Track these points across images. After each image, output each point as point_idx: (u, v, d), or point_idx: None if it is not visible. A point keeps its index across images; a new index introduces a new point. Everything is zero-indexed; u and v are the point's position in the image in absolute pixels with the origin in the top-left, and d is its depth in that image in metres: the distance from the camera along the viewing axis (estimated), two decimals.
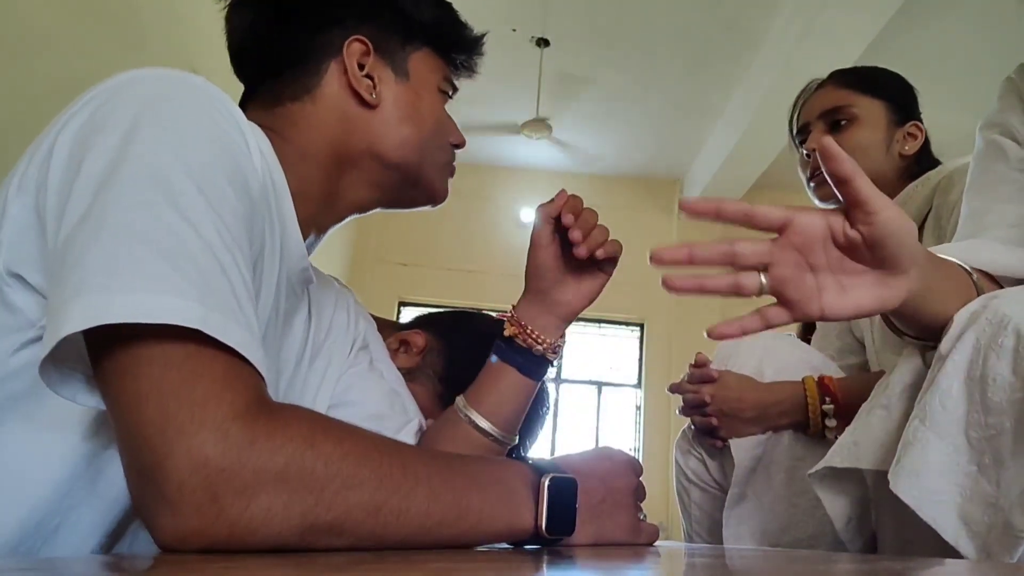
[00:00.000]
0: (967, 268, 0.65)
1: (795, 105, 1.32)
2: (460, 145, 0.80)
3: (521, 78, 4.40)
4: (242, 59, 0.74)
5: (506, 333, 0.84)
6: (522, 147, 5.33)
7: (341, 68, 0.70)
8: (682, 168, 5.57)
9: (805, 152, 1.24)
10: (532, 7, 3.89)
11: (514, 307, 0.85)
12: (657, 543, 0.64)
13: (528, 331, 0.83)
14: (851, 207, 0.55)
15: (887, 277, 0.56)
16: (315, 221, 0.71)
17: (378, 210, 0.79)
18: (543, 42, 4.17)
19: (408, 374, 0.98)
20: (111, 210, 0.43)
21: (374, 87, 0.71)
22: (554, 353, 0.84)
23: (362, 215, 0.77)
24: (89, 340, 0.42)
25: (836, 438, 1.04)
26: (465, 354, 1.01)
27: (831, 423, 1.05)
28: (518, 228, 5.72)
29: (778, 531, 1.05)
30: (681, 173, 5.66)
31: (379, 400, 0.82)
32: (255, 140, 0.56)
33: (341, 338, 0.82)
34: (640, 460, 0.72)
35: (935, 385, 0.58)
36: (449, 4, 0.79)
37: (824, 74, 1.32)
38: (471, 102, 4.62)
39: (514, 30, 4.06)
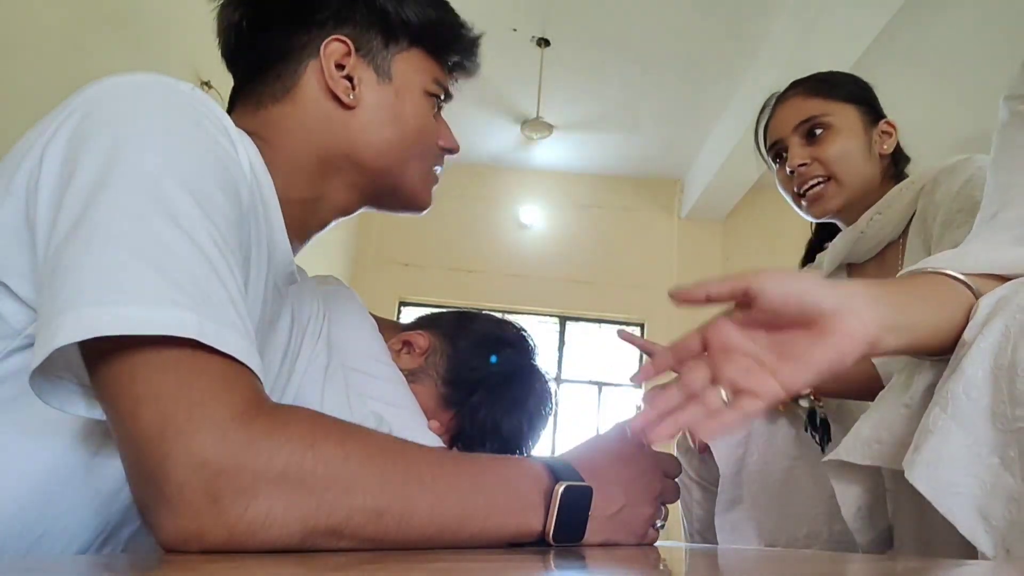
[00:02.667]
0: (957, 276, 0.64)
1: (758, 122, 1.29)
2: (452, 150, 0.78)
3: (522, 78, 4.40)
4: (231, 60, 0.73)
5: None
6: (522, 147, 5.33)
7: (319, 69, 0.68)
8: (682, 168, 5.57)
9: (789, 170, 1.21)
10: (533, 7, 3.88)
11: None
12: (657, 543, 0.64)
13: None
14: (735, 301, 0.57)
15: (827, 325, 0.54)
16: (301, 225, 0.70)
17: (372, 211, 0.78)
18: (544, 42, 4.17)
19: (411, 375, 0.98)
20: (104, 220, 0.43)
21: (353, 88, 0.69)
22: None
23: (351, 216, 0.76)
24: (85, 350, 0.43)
25: (806, 405, 1.05)
26: (468, 355, 1.01)
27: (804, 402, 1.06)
28: (518, 228, 5.72)
29: (773, 531, 1.05)
30: (681, 173, 5.65)
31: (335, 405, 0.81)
32: (243, 146, 0.55)
33: (312, 335, 0.81)
34: None
35: (959, 372, 0.56)
36: (444, 3, 0.76)
37: None
38: (472, 102, 4.62)
39: (515, 30, 4.06)
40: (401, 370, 0.97)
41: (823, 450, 1.03)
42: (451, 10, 0.76)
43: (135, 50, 2.32)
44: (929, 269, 0.64)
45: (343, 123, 0.69)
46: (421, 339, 1.02)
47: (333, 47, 0.69)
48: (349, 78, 0.69)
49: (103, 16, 2.22)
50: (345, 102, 0.68)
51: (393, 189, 0.74)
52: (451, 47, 0.76)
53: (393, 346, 1.01)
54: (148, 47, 2.41)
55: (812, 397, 1.06)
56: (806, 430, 1.06)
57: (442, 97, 0.76)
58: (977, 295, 0.61)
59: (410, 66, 0.72)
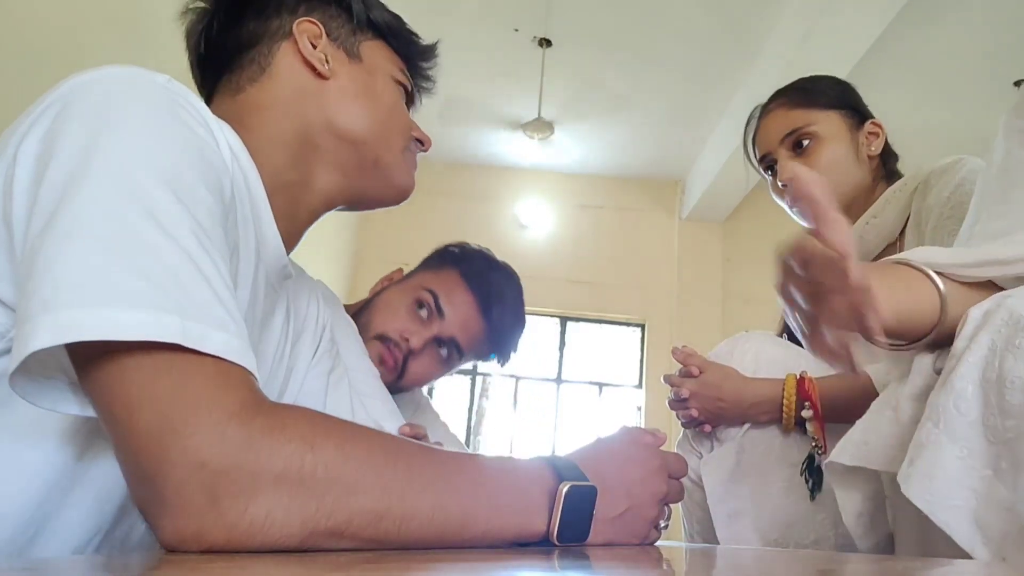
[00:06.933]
0: (927, 271, 0.64)
1: (746, 134, 1.29)
2: (424, 142, 0.80)
3: (523, 78, 4.38)
4: (202, 63, 0.75)
5: None
6: (524, 147, 5.32)
7: (293, 44, 0.71)
8: (683, 169, 5.56)
9: (781, 183, 1.21)
10: (535, 7, 3.88)
11: None
12: (657, 543, 0.64)
13: None
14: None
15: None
16: (290, 215, 0.70)
17: (358, 211, 0.79)
18: (545, 42, 4.16)
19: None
20: (80, 218, 0.42)
21: (326, 61, 0.71)
22: None
23: (348, 214, 0.77)
24: (71, 351, 0.42)
25: (813, 434, 1.05)
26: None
27: (810, 425, 1.05)
28: (518, 228, 5.72)
29: (779, 540, 1.05)
30: (682, 174, 5.65)
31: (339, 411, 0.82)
32: (224, 135, 0.55)
33: (310, 335, 0.82)
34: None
35: (948, 387, 0.57)
36: (400, 18, 0.79)
37: None
38: (473, 102, 4.62)
39: (516, 30, 4.05)
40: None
41: (812, 497, 1.04)
42: (404, 22, 0.80)
43: (135, 50, 2.32)
44: (902, 261, 0.66)
45: (319, 92, 0.71)
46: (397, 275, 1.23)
47: (306, 26, 0.72)
48: (323, 55, 0.72)
49: (103, 16, 2.22)
50: (320, 71, 0.70)
51: (374, 164, 0.74)
52: (410, 47, 0.79)
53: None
54: (148, 47, 2.40)
55: (814, 439, 1.05)
56: (801, 474, 1.06)
57: (409, 89, 0.79)
58: (940, 291, 0.63)
59: (376, 53, 0.76)
